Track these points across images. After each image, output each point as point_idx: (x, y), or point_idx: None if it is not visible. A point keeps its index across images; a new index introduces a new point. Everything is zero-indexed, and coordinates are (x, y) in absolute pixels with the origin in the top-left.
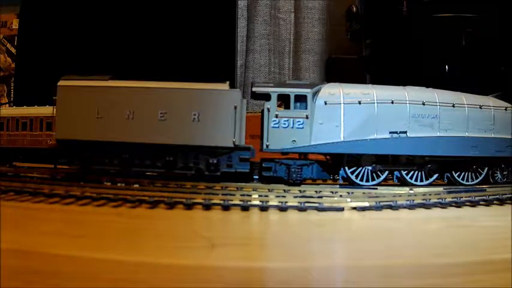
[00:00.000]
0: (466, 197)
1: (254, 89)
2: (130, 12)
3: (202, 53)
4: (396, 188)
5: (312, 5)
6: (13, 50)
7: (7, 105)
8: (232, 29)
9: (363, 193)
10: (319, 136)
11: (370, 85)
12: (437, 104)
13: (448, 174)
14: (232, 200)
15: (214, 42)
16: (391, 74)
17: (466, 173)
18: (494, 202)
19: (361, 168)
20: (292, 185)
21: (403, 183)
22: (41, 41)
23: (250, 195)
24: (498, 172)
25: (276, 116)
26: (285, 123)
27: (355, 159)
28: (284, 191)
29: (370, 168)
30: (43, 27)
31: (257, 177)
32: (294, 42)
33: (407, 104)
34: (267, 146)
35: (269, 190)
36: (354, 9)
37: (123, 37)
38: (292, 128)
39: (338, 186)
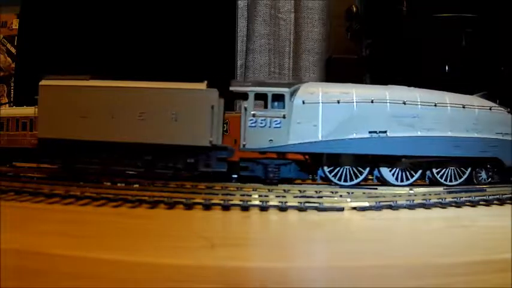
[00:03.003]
0: (466, 197)
1: (231, 88)
2: (131, 12)
3: (202, 53)
4: (396, 188)
5: (312, 5)
6: (13, 50)
7: (7, 105)
8: (232, 29)
9: (363, 193)
10: (296, 135)
11: (350, 84)
12: (419, 103)
13: (429, 174)
14: (232, 200)
15: (214, 42)
16: (391, 74)
17: (449, 173)
18: (494, 202)
19: (339, 167)
20: (269, 184)
21: (383, 183)
22: (41, 41)
23: (250, 195)
24: (482, 172)
25: (253, 116)
26: (262, 123)
27: (335, 159)
28: (284, 191)
29: (349, 167)
30: (43, 27)
31: (236, 176)
32: (294, 42)
33: (388, 104)
34: (244, 145)
35: (269, 190)
36: (354, 9)
37: (123, 37)
38: (270, 127)
39: (338, 186)
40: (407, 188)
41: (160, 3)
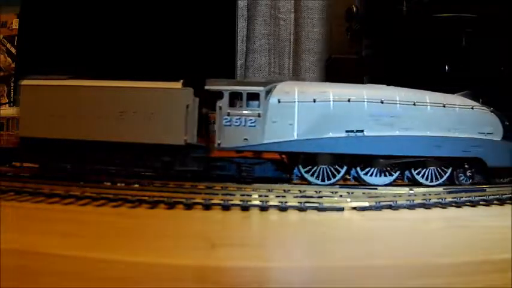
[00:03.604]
0: (466, 197)
1: (207, 87)
2: (131, 12)
3: (202, 53)
4: (396, 188)
5: (312, 5)
6: (13, 50)
7: (7, 105)
8: (232, 29)
9: (363, 193)
10: (272, 134)
11: (328, 83)
12: (397, 102)
13: (409, 174)
14: (232, 200)
15: (214, 42)
16: (391, 74)
17: (429, 173)
18: (494, 202)
19: (316, 167)
20: (243, 183)
21: (361, 183)
22: (40, 41)
23: (250, 195)
24: (464, 172)
25: (228, 114)
26: (237, 122)
27: (311, 158)
28: (284, 191)
29: (325, 167)
30: (43, 27)
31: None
32: (294, 42)
33: (365, 103)
34: (219, 144)
35: (269, 190)
36: (354, 9)
37: (123, 37)
38: (244, 126)
39: (338, 186)
40: (407, 188)
41: (160, 3)
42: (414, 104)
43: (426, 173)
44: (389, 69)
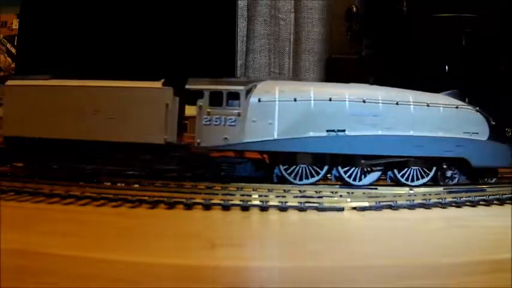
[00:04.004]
0: (466, 197)
1: (187, 86)
2: (130, 11)
3: (202, 53)
4: (396, 188)
5: (312, 5)
6: (13, 50)
7: None
8: (232, 29)
9: (363, 193)
10: (252, 134)
11: (309, 82)
12: (380, 101)
13: (391, 174)
14: (232, 200)
15: (214, 42)
16: (391, 74)
17: (412, 173)
18: (494, 202)
19: (296, 166)
20: (222, 182)
21: (344, 183)
22: (40, 41)
23: (250, 195)
24: (448, 172)
25: (208, 114)
26: (216, 121)
27: (291, 157)
28: (284, 191)
29: (306, 166)
30: (43, 27)
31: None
32: (294, 42)
33: (347, 102)
34: (199, 143)
35: (269, 190)
36: (354, 9)
37: (123, 36)
38: (224, 125)
39: (338, 186)
40: (407, 188)
41: (160, 3)
42: (397, 104)
43: (409, 173)
44: (389, 69)
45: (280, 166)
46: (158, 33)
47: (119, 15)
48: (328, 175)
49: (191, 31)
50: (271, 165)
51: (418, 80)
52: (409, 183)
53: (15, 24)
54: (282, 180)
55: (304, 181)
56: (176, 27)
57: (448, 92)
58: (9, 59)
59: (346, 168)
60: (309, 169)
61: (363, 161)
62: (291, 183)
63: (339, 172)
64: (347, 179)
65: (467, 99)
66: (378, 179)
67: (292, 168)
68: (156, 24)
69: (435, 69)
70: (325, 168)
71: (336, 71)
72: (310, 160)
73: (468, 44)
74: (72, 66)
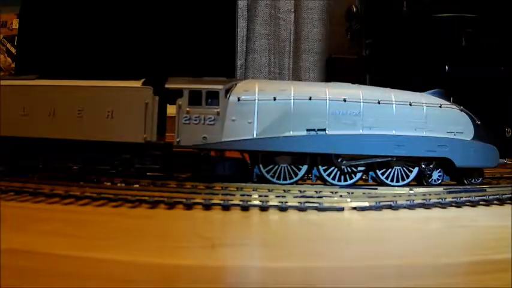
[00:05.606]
0: (466, 197)
1: (167, 86)
2: (131, 11)
3: (202, 53)
4: (396, 188)
5: (312, 5)
6: (13, 50)
7: None
8: (232, 29)
9: (363, 193)
10: (231, 133)
11: (289, 81)
12: (361, 101)
13: (373, 174)
14: (232, 200)
15: (214, 42)
16: (391, 74)
17: (394, 173)
18: (494, 202)
19: (276, 166)
20: (203, 181)
21: (325, 183)
22: (40, 41)
23: (250, 195)
24: (431, 173)
25: (187, 112)
26: (196, 120)
27: (271, 157)
28: (284, 191)
29: (286, 166)
30: (43, 27)
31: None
32: (294, 42)
33: (327, 101)
34: (178, 141)
35: (269, 190)
36: (354, 9)
37: (124, 36)
38: (203, 124)
39: (338, 186)
40: (407, 188)
41: (160, 3)
42: (378, 103)
43: (391, 173)
44: (389, 69)
45: (260, 166)
46: (158, 33)
47: (119, 15)
48: (309, 174)
49: (191, 31)
50: (251, 165)
51: (417, 80)
52: (391, 183)
53: (15, 24)
54: (262, 180)
55: (282, 181)
56: (176, 28)
57: (432, 91)
58: (9, 59)
59: (325, 167)
60: (288, 169)
61: (342, 161)
62: (271, 182)
63: (319, 172)
64: (327, 178)
65: (452, 99)
66: (360, 179)
67: (270, 167)
68: (157, 24)
69: (435, 69)
70: (305, 167)
71: (335, 71)
72: (289, 160)
73: (468, 44)
74: (72, 66)
